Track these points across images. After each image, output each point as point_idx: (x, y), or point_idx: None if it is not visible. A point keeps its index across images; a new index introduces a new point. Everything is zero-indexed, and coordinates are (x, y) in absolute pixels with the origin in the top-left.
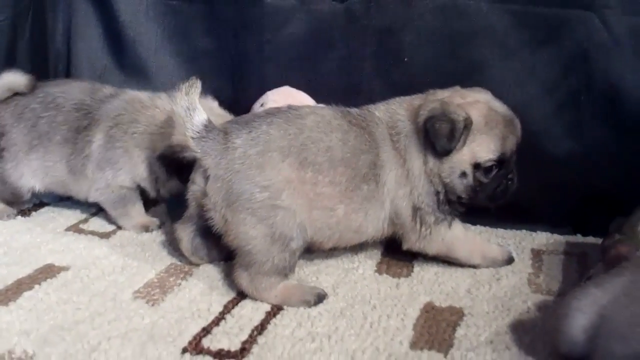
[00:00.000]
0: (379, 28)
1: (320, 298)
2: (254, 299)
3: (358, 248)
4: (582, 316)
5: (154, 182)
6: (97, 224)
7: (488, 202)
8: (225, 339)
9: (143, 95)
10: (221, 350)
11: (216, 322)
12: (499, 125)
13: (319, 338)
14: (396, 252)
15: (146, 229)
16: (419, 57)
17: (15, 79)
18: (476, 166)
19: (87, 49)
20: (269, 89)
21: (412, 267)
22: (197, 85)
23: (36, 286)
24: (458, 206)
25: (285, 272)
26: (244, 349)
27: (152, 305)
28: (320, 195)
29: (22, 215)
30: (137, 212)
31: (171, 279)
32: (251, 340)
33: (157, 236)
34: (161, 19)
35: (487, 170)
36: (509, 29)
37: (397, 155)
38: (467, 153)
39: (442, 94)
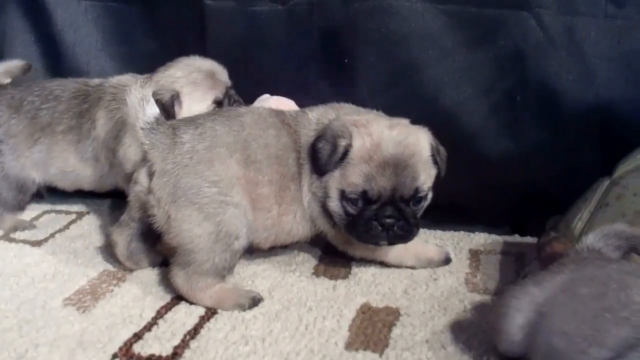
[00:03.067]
0: (320, 29)
1: (255, 302)
2: (188, 298)
3: (296, 250)
4: (520, 315)
5: None
6: (29, 233)
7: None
8: (157, 344)
9: (125, 78)
10: (152, 355)
11: (148, 327)
12: (373, 161)
13: (253, 341)
14: (334, 254)
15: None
16: (358, 59)
17: (13, 63)
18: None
19: (23, 54)
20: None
21: (350, 268)
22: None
23: None
24: None
25: (223, 273)
26: (176, 353)
27: (83, 312)
28: (260, 196)
29: None
30: None
31: (103, 286)
32: (183, 344)
33: (91, 242)
34: (100, 22)
35: (352, 200)
36: (444, 30)
37: None
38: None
39: (365, 116)
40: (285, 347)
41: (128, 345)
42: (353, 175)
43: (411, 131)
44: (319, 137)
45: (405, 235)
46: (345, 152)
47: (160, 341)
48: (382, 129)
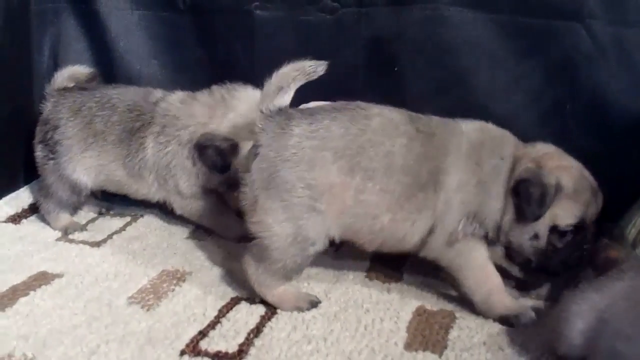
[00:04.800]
0: (369, 38)
1: (313, 304)
2: (252, 287)
3: (345, 255)
4: (581, 320)
5: (197, 176)
6: (87, 234)
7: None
8: (222, 341)
9: (185, 94)
10: (219, 352)
11: (212, 325)
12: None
13: (315, 340)
14: (384, 259)
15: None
16: (408, 67)
17: (79, 69)
18: (552, 229)
19: (76, 60)
20: None
21: (402, 274)
22: (310, 73)
23: (31, 292)
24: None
25: (291, 275)
26: (242, 350)
27: (147, 310)
28: (364, 202)
29: (12, 223)
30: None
31: (164, 285)
32: (248, 342)
33: (148, 244)
34: (152, 31)
35: (564, 233)
36: (494, 39)
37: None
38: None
39: (534, 149)
40: (347, 346)
41: (195, 342)
42: (574, 208)
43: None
44: (524, 181)
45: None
46: (557, 191)
47: (225, 339)
48: (560, 159)
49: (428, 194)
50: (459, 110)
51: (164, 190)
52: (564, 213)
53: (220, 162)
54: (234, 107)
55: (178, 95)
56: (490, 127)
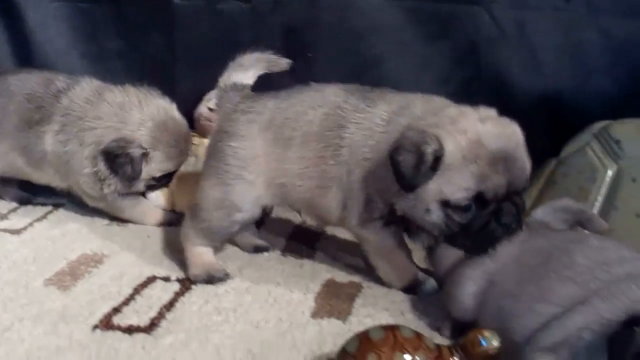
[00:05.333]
0: (284, 26)
1: (224, 277)
2: (181, 243)
3: (264, 236)
4: (473, 283)
5: (98, 181)
6: (7, 223)
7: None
8: (135, 316)
9: (99, 87)
10: (131, 325)
11: (126, 302)
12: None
13: (225, 312)
14: (300, 237)
15: (167, 223)
16: (322, 53)
17: None
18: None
19: None
20: (179, 90)
21: (315, 250)
22: (272, 63)
23: None
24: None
25: (215, 237)
26: (153, 324)
27: (64, 290)
28: (288, 171)
29: None
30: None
31: (82, 267)
32: (160, 316)
33: (68, 230)
34: (70, 22)
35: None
36: (403, 24)
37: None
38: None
39: (446, 111)
40: (256, 316)
41: (108, 317)
42: (461, 180)
43: (504, 122)
44: (395, 149)
45: (519, 229)
46: (437, 159)
47: (138, 314)
48: (473, 123)
49: (335, 165)
50: None
51: (67, 182)
52: (457, 185)
53: (130, 170)
54: (153, 115)
55: (83, 90)
56: (415, 98)
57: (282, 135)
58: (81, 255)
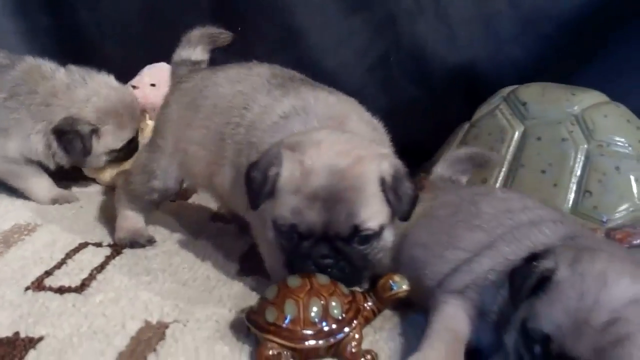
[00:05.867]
0: (211, 2)
1: (147, 243)
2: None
3: (195, 201)
4: None
5: (50, 156)
6: None
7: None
8: (66, 278)
9: (44, 66)
10: (62, 286)
11: (58, 266)
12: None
13: (154, 272)
14: None
15: (54, 201)
16: (250, 27)
17: None
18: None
19: None
20: (109, 66)
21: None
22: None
23: None
24: None
25: (139, 203)
26: (84, 284)
27: None
28: (190, 139)
29: None
30: (40, 187)
31: (15, 236)
32: (91, 277)
33: (1, 199)
34: None
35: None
36: None
37: None
38: None
39: (318, 134)
40: (184, 275)
41: (40, 280)
42: (281, 207)
43: (360, 160)
44: (252, 165)
45: (348, 278)
46: (274, 182)
47: (69, 276)
48: (322, 154)
49: (231, 143)
50: (296, 66)
51: None
52: (278, 211)
53: (81, 147)
54: (97, 91)
55: (30, 67)
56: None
57: (195, 101)
58: (14, 225)
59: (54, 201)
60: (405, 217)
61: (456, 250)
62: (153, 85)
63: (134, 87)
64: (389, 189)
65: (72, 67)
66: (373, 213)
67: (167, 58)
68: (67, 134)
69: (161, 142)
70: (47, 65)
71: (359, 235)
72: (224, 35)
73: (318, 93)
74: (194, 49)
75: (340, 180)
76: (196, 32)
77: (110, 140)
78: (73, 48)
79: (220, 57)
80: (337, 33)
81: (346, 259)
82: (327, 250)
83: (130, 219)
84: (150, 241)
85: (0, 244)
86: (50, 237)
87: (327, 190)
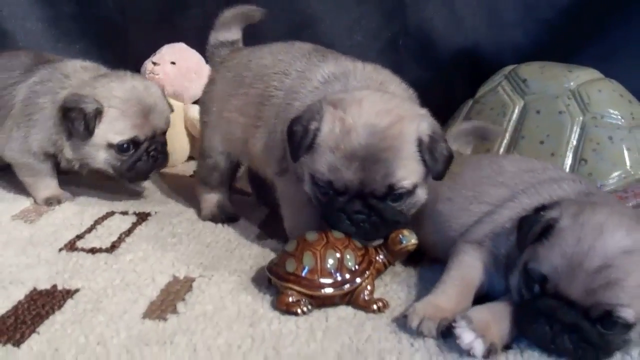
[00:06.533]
0: None
1: (229, 217)
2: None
3: None
4: None
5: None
6: None
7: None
8: (97, 240)
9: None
10: (94, 248)
11: (88, 231)
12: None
13: (179, 236)
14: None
15: (48, 201)
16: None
17: None
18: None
19: None
20: (133, 50)
21: None
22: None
23: None
24: None
25: (208, 183)
26: (114, 246)
27: (30, 223)
28: (231, 107)
29: None
30: (44, 186)
31: (45, 207)
32: (120, 240)
33: None
34: None
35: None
36: None
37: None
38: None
39: (360, 93)
40: (207, 238)
41: (72, 242)
42: (318, 163)
43: (400, 119)
44: (295, 119)
45: (377, 232)
46: (314, 137)
47: (99, 239)
48: (363, 113)
49: (268, 106)
50: None
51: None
52: (316, 166)
53: (83, 127)
54: (121, 79)
55: (71, 64)
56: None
57: (238, 75)
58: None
59: (47, 201)
60: (440, 177)
61: (481, 204)
62: (173, 63)
63: (154, 63)
64: (426, 149)
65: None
66: (408, 173)
67: (186, 40)
68: (72, 112)
69: (207, 118)
70: (87, 64)
71: (393, 194)
72: (256, 12)
73: (357, 62)
74: (229, 29)
75: (380, 140)
76: (228, 13)
77: (110, 127)
78: (97, 34)
79: None
80: (349, 19)
81: (379, 215)
82: (361, 206)
83: (208, 201)
84: (232, 218)
85: (33, 212)
86: (78, 207)
87: (365, 150)
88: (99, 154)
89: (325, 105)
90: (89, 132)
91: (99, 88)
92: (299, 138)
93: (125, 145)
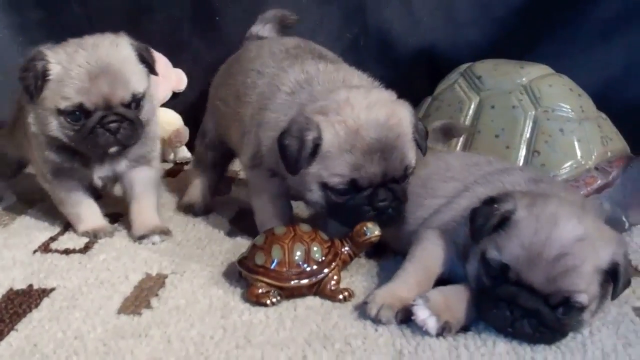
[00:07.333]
0: None
1: (203, 212)
2: None
3: None
4: None
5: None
6: None
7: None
8: (70, 242)
9: None
10: (67, 249)
11: (62, 232)
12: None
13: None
14: None
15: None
16: (228, 17)
17: None
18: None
19: None
20: None
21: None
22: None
23: None
24: None
25: (202, 162)
26: (87, 247)
27: (3, 227)
28: (227, 93)
29: None
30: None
31: (18, 208)
32: (92, 241)
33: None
34: None
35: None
36: None
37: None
38: None
39: (337, 95)
40: (177, 237)
41: (46, 244)
42: (336, 167)
43: (391, 110)
44: (283, 133)
45: (398, 215)
46: (316, 146)
47: (73, 240)
48: (358, 110)
49: (245, 103)
50: None
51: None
52: (333, 171)
53: (32, 81)
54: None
55: None
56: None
57: (230, 65)
58: (20, 199)
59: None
60: (424, 152)
61: (435, 198)
62: None
63: None
64: (416, 130)
65: None
66: (413, 153)
67: (152, 44)
68: (25, 70)
69: (207, 103)
70: None
71: (406, 175)
72: (292, 17)
73: (319, 64)
74: (263, 26)
75: (389, 131)
76: (270, 12)
77: (54, 86)
78: (62, 39)
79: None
80: (311, 20)
81: (397, 198)
82: (385, 194)
83: (194, 188)
84: (205, 212)
85: (6, 216)
86: (51, 209)
87: (381, 142)
88: (49, 121)
89: (313, 115)
90: (36, 89)
91: (56, 50)
92: (295, 151)
93: (70, 115)
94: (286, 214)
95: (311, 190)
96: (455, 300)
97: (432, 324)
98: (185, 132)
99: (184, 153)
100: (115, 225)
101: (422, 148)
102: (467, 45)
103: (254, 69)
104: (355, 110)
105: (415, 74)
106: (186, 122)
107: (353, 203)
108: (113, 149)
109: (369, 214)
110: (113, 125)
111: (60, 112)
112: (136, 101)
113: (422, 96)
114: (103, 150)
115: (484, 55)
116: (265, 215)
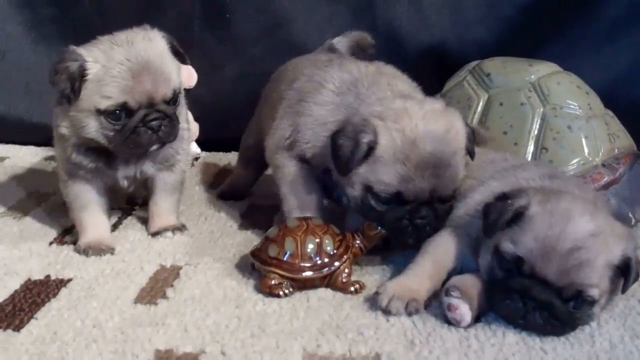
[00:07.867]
0: None
1: (241, 196)
2: None
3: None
4: None
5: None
6: None
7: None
8: None
9: None
10: None
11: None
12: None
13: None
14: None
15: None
16: (238, 14)
17: None
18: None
19: None
20: None
21: None
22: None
23: None
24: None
25: (241, 158)
26: None
27: (18, 219)
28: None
29: None
30: None
31: (30, 202)
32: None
33: (16, 173)
34: None
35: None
36: None
37: None
38: None
39: (395, 103)
40: (190, 231)
41: (61, 237)
42: (386, 175)
43: (449, 122)
44: (337, 132)
45: (434, 233)
46: (370, 149)
47: None
48: (415, 122)
49: (278, 104)
50: (282, 48)
51: None
52: (381, 178)
53: (66, 85)
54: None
55: None
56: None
57: (277, 76)
58: (29, 193)
59: None
60: (473, 157)
61: None
62: None
63: None
64: (470, 141)
65: None
66: (463, 168)
67: None
68: (56, 72)
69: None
70: None
71: (455, 194)
72: (368, 40)
73: (359, 63)
74: (341, 40)
75: (446, 146)
76: (356, 32)
77: (94, 89)
78: (76, 36)
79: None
80: (320, 18)
81: (438, 217)
82: (427, 212)
83: (231, 178)
84: (236, 197)
85: (19, 211)
86: (62, 204)
87: (436, 157)
88: (89, 122)
89: (372, 119)
90: (74, 92)
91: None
92: (348, 151)
93: (112, 115)
94: (320, 202)
95: (353, 188)
96: (477, 290)
97: (468, 319)
98: (195, 128)
99: (194, 149)
100: (115, 232)
101: (471, 154)
102: (475, 43)
103: (293, 77)
104: (414, 120)
105: (423, 72)
106: (196, 118)
107: (392, 215)
108: (154, 147)
109: (406, 228)
110: (155, 123)
111: (100, 112)
112: (175, 97)
113: (430, 93)
114: (145, 150)
115: (492, 54)
116: (298, 203)
